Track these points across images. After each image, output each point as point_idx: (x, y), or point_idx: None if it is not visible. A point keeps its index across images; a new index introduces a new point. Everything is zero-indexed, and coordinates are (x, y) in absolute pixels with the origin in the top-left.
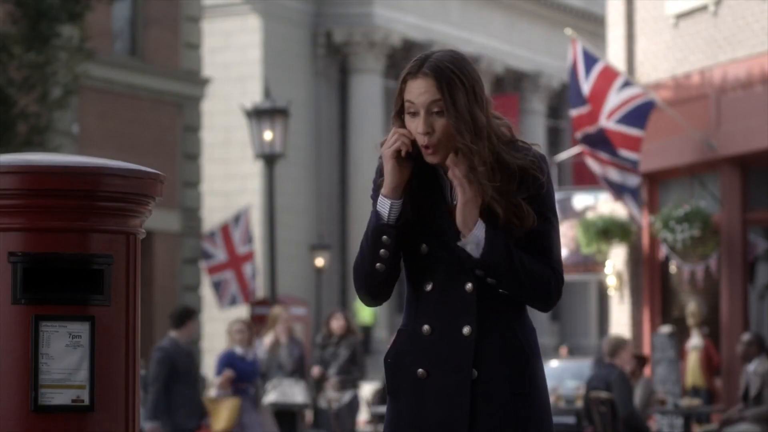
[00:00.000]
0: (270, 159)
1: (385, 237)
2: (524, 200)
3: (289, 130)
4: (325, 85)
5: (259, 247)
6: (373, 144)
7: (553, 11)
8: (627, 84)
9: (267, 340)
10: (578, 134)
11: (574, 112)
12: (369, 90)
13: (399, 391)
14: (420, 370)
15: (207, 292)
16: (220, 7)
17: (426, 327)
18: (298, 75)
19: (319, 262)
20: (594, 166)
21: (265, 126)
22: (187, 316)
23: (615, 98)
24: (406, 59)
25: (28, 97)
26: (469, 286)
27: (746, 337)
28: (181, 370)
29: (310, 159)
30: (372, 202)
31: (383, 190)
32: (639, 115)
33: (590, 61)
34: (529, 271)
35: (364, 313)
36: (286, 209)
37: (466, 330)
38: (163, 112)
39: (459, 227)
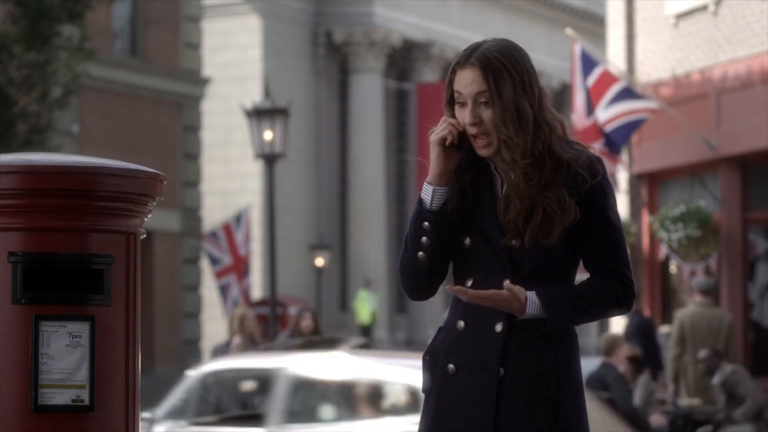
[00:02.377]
0: (270, 159)
1: (426, 224)
2: (567, 192)
3: (289, 130)
4: (325, 84)
5: (259, 247)
6: (374, 144)
7: (553, 11)
8: (626, 91)
9: (237, 340)
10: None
11: (581, 124)
12: (369, 90)
13: (431, 388)
14: (450, 365)
15: (207, 292)
16: (220, 7)
17: (461, 323)
18: (298, 75)
19: (319, 262)
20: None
21: (265, 126)
22: None
23: (612, 108)
24: (406, 59)
25: (28, 96)
26: (506, 283)
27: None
28: None
29: (310, 159)
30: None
31: (428, 177)
32: (625, 132)
33: (589, 65)
34: (593, 301)
35: (363, 313)
36: (286, 209)
37: (498, 327)
38: (163, 111)
39: (512, 311)
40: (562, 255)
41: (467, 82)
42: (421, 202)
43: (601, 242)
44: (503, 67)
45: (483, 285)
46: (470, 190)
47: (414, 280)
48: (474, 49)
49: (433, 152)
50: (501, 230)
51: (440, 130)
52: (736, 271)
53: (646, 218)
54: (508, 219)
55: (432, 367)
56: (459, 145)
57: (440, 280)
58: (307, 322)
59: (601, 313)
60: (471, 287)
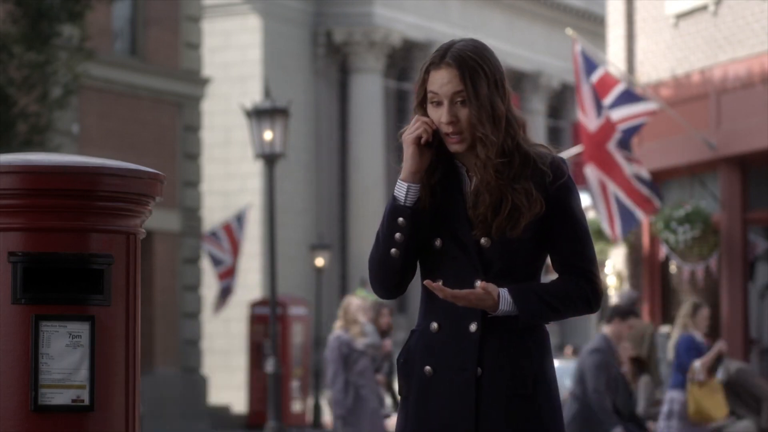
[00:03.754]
0: (270, 159)
1: (401, 219)
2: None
3: (289, 130)
4: (325, 85)
5: (259, 247)
6: (374, 144)
7: (553, 11)
8: (626, 94)
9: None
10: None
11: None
12: (369, 90)
13: (408, 391)
14: (427, 367)
15: (207, 292)
16: (220, 7)
17: (435, 324)
18: (298, 75)
19: (319, 262)
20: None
21: (265, 126)
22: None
23: (615, 112)
24: (406, 59)
25: (28, 96)
26: (478, 283)
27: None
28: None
29: (310, 159)
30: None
31: (401, 175)
32: (626, 137)
33: (590, 66)
34: (564, 300)
35: None
36: (286, 209)
37: (472, 327)
38: (163, 111)
39: (485, 306)
40: (531, 254)
41: (443, 81)
42: (395, 198)
43: (570, 242)
44: (478, 66)
45: (454, 285)
46: (439, 189)
47: (385, 277)
48: (446, 49)
49: (408, 150)
50: (471, 228)
51: (414, 128)
52: (736, 271)
53: (646, 218)
54: (478, 213)
55: (407, 370)
56: (430, 144)
57: (410, 278)
58: (385, 319)
59: (571, 311)
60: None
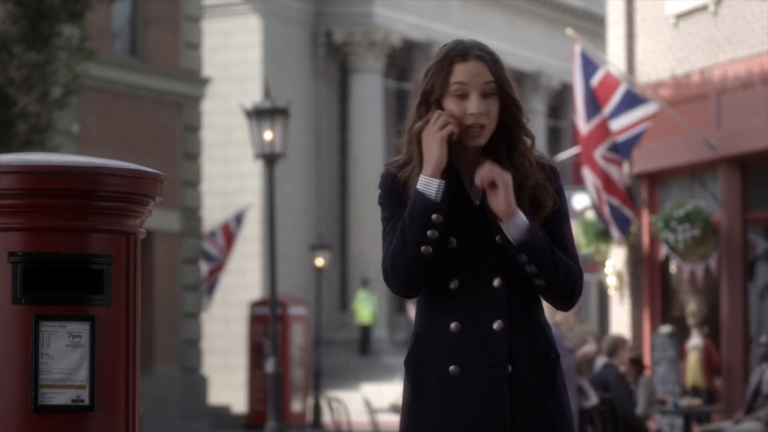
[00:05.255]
0: (270, 159)
1: (435, 215)
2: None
3: (289, 130)
4: (325, 84)
5: (259, 247)
6: (374, 144)
7: (553, 11)
8: (628, 96)
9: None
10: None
11: (585, 127)
12: (369, 90)
13: (426, 391)
14: (452, 367)
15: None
16: (220, 7)
17: (454, 324)
18: (298, 75)
19: (319, 262)
20: (592, 179)
21: (265, 126)
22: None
23: (622, 118)
24: (406, 59)
25: (28, 96)
26: (497, 281)
27: (764, 338)
28: None
29: (310, 159)
30: (381, 209)
31: (427, 171)
32: (630, 145)
33: (590, 67)
34: (564, 262)
35: (363, 313)
36: (286, 209)
37: (496, 325)
38: (163, 111)
39: (500, 213)
40: None
41: (473, 73)
42: (423, 195)
43: (562, 239)
44: (499, 60)
45: (471, 284)
46: (448, 194)
47: (415, 276)
48: (464, 45)
49: (436, 145)
50: (485, 228)
51: (442, 123)
52: (736, 271)
53: (646, 218)
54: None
55: (420, 371)
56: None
57: (427, 277)
58: (591, 347)
59: (565, 274)
60: (457, 288)
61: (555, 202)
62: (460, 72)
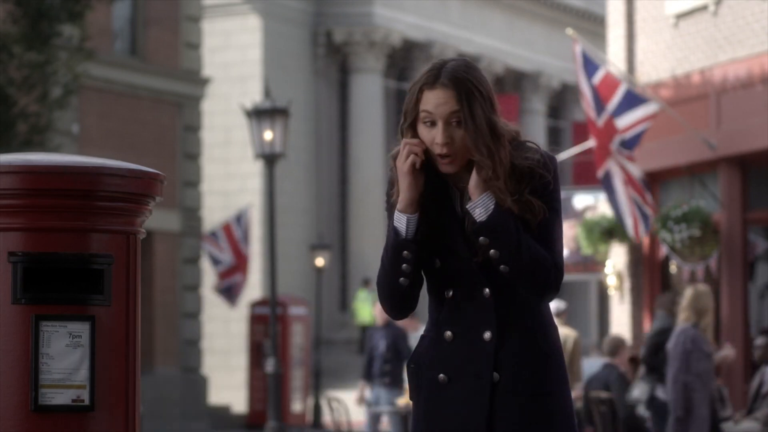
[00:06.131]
0: (270, 159)
1: (405, 252)
2: (532, 195)
3: (289, 130)
4: (325, 84)
5: (259, 247)
6: (374, 144)
7: (553, 11)
8: (629, 96)
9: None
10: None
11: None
12: (369, 90)
13: (420, 395)
14: (441, 375)
15: (207, 292)
16: (220, 7)
17: (448, 333)
18: (298, 75)
19: (319, 262)
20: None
21: (265, 126)
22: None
23: (625, 118)
24: (406, 59)
25: (28, 96)
26: (486, 291)
27: (760, 340)
28: None
29: (310, 159)
30: (387, 215)
31: (399, 206)
32: (632, 144)
33: (591, 67)
34: (532, 250)
35: (363, 313)
36: (286, 209)
37: (486, 335)
38: (163, 111)
39: (470, 191)
40: None
41: (438, 102)
42: (396, 230)
43: (543, 231)
44: (473, 87)
45: (463, 295)
46: (431, 206)
47: (396, 302)
48: (439, 68)
49: (405, 180)
50: (469, 245)
51: (406, 155)
52: (736, 271)
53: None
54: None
55: (418, 374)
56: (422, 166)
57: (418, 294)
58: (730, 352)
59: (532, 264)
60: (452, 297)
61: (545, 212)
62: (427, 100)
